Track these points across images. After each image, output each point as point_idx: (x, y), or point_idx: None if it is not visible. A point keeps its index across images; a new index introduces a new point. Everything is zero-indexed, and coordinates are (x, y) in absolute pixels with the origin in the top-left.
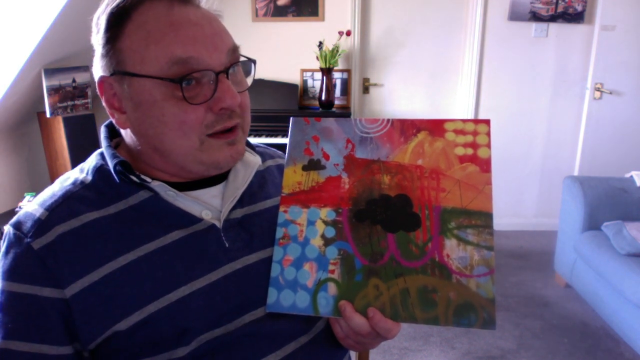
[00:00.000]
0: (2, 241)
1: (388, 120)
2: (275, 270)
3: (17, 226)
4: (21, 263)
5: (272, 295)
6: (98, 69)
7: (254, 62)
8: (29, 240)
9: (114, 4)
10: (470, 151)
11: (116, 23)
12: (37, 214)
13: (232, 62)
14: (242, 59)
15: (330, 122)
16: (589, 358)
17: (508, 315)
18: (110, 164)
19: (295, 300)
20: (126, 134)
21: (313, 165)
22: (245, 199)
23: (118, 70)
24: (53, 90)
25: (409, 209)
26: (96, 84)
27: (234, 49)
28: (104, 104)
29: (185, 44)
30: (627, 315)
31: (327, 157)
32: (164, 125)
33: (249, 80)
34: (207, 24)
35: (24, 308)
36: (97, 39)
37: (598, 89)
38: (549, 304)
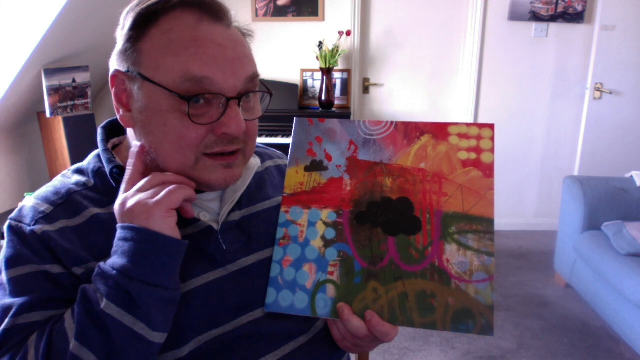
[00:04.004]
0: (3, 243)
1: (392, 122)
2: (274, 270)
3: (18, 218)
4: (25, 247)
5: (270, 295)
6: (114, 62)
7: (271, 94)
8: (31, 227)
9: (145, 5)
10: (473, 156)
11: (142, 24)
12: (41, 208)
13: (248, 90)
14: (260, 89)
15: (333, 123)
16: (589, 358)
17: (508, 315)
18: (107, 169)
19: (293, 301)
20: (131, 136)
21: (315, 166)
22: (244, 201)
23: (133, 69)
24: (53, 90)
25: (410, 213)
26: (109, 76)
27: (253, 77)
28: (112, 97)
29: (203, 62)
30: (627, 315)
31: (329, 158)
32: (163, 135)
33: (261, 111)
34: (231, 47)
35: (39, 283)
36: (121, 34)
37: (598, 89)
38: (549, 304)
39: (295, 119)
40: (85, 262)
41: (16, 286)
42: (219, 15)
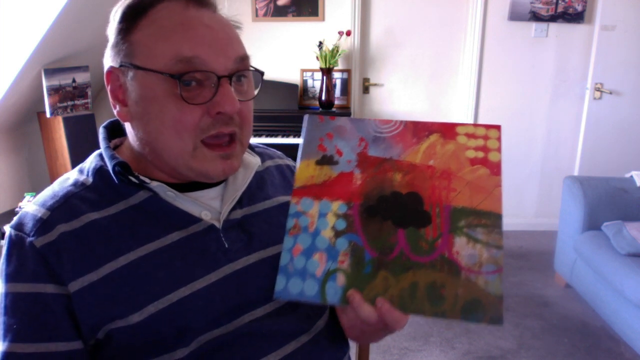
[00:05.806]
0: (3, 243)
1: (401, 121)
2: (284, 258)
3: (19, 227)
4: (24, 262)
5: (280, 282)
6: (108, 59)
7: (262, 73)
8: (31, 239)
9: None
10: (481, 154)
11: (132, 16)
12: (39, 214)
13: (239, 70)
14: (251, 69)
15: (344, 121)
16: (589, 358)
17: (508, 315)
18: (109, 165)
19: (303, 288)
20: (130, 132)
21: (326, 161)
22: (245, 199)
23: (126, 62)
24: (53, 90)
25: (419, 207)
26: (104, 74)
27: (243, 58)
28: (108, 94)
29: (193, 43)
30: (627, 315)
31: (340, 153)
32: (160, 122)
33: (255, 92)
34: (220, 28)
35: (30, 307)
36: (112, 29)
37: (598, 89)
38: (549, 304)
39: (306, 116)
40: (82, 274)
41: (11, 303)
42: (204, 1)
